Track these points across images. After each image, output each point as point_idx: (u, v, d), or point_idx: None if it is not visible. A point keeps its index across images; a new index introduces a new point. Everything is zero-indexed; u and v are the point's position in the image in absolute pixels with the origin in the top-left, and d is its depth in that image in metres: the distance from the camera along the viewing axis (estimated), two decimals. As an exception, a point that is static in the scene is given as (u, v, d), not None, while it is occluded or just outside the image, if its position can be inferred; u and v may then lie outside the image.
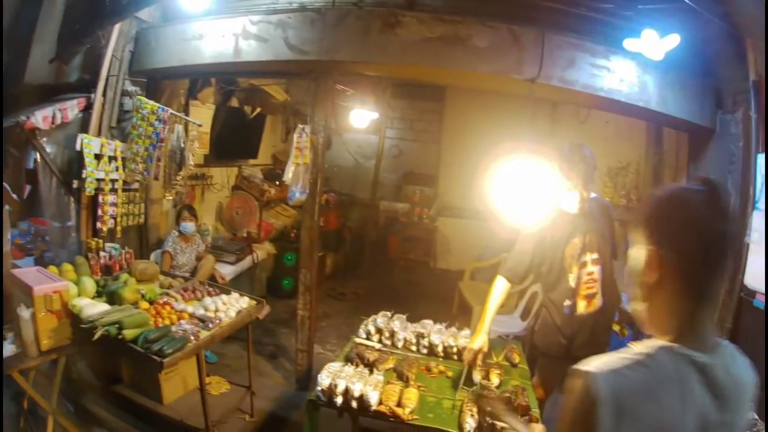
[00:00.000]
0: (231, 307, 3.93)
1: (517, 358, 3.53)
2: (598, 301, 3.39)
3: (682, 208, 1.19)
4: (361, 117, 6.43)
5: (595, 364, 1.12)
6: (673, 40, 3.58)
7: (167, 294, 3.99)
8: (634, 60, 3.97)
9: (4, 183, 3.82)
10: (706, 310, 1.18)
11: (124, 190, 4.73)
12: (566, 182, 3.21)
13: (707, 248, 1.15)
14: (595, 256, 3.34)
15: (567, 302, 3.35)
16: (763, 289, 3.76)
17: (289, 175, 4.30)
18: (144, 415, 3.96)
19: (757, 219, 3.88)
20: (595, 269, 3.36)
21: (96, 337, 3.12)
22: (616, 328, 4.00)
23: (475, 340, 3.17)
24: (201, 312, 3.76)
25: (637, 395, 1.08)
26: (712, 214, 1.15)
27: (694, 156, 4.69)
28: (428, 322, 3.67)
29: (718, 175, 4.19)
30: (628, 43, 3.70)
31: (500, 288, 3.38)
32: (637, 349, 1.15)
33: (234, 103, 6.31)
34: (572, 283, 3.33)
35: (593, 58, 3.88)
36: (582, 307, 3.36)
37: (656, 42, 3.61)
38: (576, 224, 3.28)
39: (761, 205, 3.92)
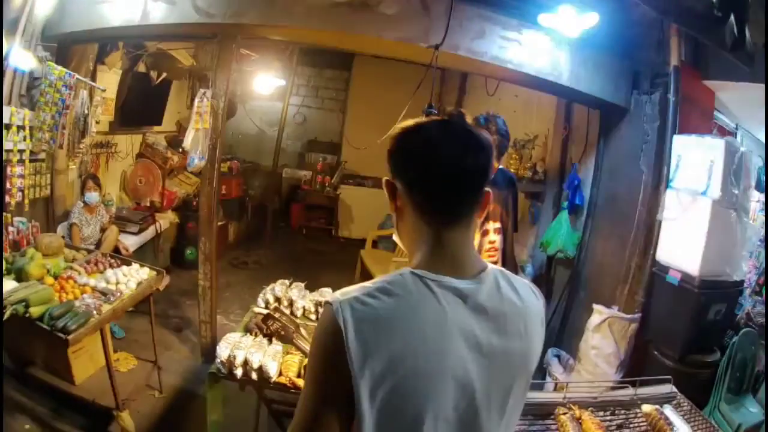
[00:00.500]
0: (131, 278, 3.96)
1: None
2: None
3: (413, 139, 1.22)
4: (266, 83, 6.42)
5: (339, 292, 1.14)
6: (592, 18, 3.68)
7: (71, 268, 3.95)
8: (548, 35, 4.12)
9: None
10: (458, 237, 1.20)
11: (31, 161, 4.63)
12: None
13: (440, 177, 1.17)
14: (497, 225, 3.56)
15: None
16: (676, 264, 4.04)
17: (188, 140, 4.30)
18: (58, 397, 3.90)
19: (669, 197, 4.13)
20: (496, 238, 3.58)
21: (5, 317, 3.08)
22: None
23: None
24: (103, 285, 3.79)
25: (382, 322, 1.08)
26: (443, 145, 1.17)
27: (605, 132, 4.91)
28: (327, 290, 3.75)
29: (630, 152, 4.43)
30: (543, 18, 3.79)
31: None
32: (384, 277, 1.17)
33: (141, 68, 6.20)
34: (480, 246, 3.54)
35: (504, 30, 4.01)
36: None
37: (573, 18, 3.70)
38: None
39: (674, 184, 4.17)
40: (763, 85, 4.11)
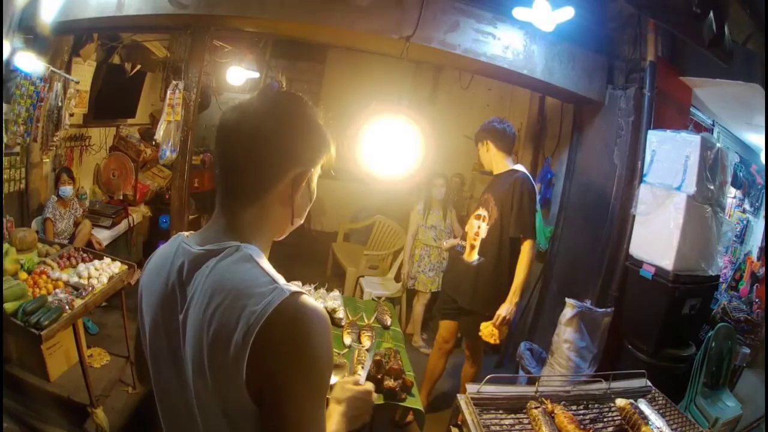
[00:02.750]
0: (103, 273, 3.92)
1: (389, 320, 3.62)
2: (474, 256, 3.85)
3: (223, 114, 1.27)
4: (239, 75, 6.37)
5: None
6: (567, 12, 3.67)
7: (44, 263, 3.90)
8: (523, 29, 4.12)
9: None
10: (223, 210, 1.25)
11: (5, 155, 4.58)
12: (499, 152, 3.90)
13: (220, 150, 1.24)
14: (484, 213, 3.83)
15: (462, 242, 4.10)
16: (650, 259, 4.07)
17: (160, 133, 4.24)
18: (34, 395, 3.82)
19: (644, 191, 4.13)
20: (480, 224, 3.84)
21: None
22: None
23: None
24: (75, 280, 3.73)
25: (151, 260, 1.32)
26: (220, 125, 1.24)
27: (579, 126, 4.91)
28: (296, 283, 3.70)
29: (604, 146, 4.43)
30: (518, 12, 3.77)
31: None
32: None
33: (116, 60, 6.13)
34: (467, 228, 4.03)
35: (479, 23, 3.99)
36: (466, 253, 3.92)
37: (548, 13, 3.69)
38: (491, 183, 3.94)
39: (648, 178, 4.19)
40: (740, 83, 4.14)
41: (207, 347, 1.08)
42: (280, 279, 1.14)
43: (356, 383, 1.47)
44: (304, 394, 1.08)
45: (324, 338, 1.10)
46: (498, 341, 3.78)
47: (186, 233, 1.28)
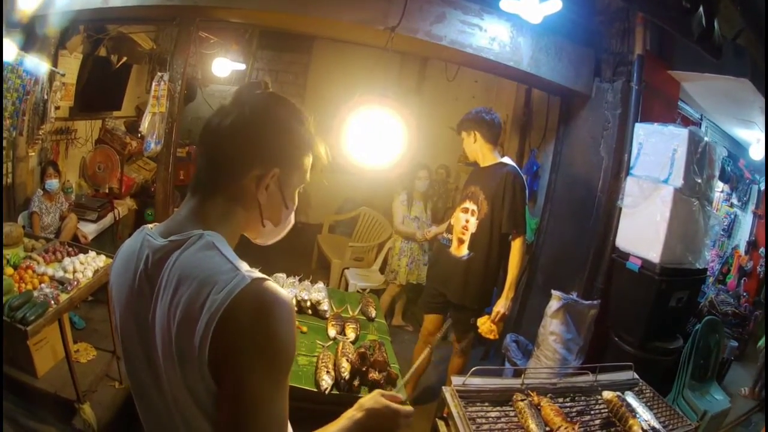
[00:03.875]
0: (88, 266, 3.89)
1: (373, 312, 3.61)
2: (464, 250, 3.90)
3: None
4: (225, 66, 6.37)
5: None
6: (554, 5, 3.65)
7: (30, 257, 3.87)
8: (510, 21, 4.10)
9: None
10: (190, 203, 1.26)
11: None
12: (486, 143, 3.90)
13: (201, 142, 1.28)
14: (473, 207, 3.86)
15: (447, 235, 4.11)
16: (636, 251, 4.07)
17: (145, 124, 4.24)
18: (21, 391, 3.78)
19: (630, 184, 4.13)
20: (469, 218, 3.89)
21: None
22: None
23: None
24: (60, 274, 3.70)
25: (118, 254, 1.31)
26: (212, 113, 1.27)
27: (565, 119, 4.92)
28: (281, 275, 3.74)
29: (590, 139, 4.45)
30: (505, 4, 3.75)
31: None
32: None
33: (102, 52, 6.09)
34: (453, 221, 4.06)
35: (465, 15, 3.98)
36: (454, 247, 3.97)
37: (535, 5, 3.67)
38: (478, 176, 4.02)
39: (635, 171, 4.20)
40: (729, 77, 4.14)
41: (174, 338, 1.08)
42: (243, 265, 1.13)
43: (394, 398, 1.48)
44: (263, 380, 1.06)
45: (285, 323, 1.09)
46: (497, 336, 3.89)
47: (150, 226, 1.28)
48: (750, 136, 5.99)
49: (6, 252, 3.80)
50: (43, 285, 3.49)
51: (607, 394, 2.71)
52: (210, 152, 1.25)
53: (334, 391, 2.66)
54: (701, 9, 3.44)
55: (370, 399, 1.44)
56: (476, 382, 2.73)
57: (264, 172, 1.23)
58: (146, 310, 1.16)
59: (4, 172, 4.78)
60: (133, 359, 1.23)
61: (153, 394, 1.20)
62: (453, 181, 7.67)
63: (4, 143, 4.66)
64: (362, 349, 2.92)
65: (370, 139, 3.06)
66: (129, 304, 1.21)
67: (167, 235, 1.19)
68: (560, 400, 2.78)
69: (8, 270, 3.57)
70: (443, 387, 2.70)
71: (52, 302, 3.31)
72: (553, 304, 4.07)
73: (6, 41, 4.27)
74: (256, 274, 1.10)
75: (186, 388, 1.09)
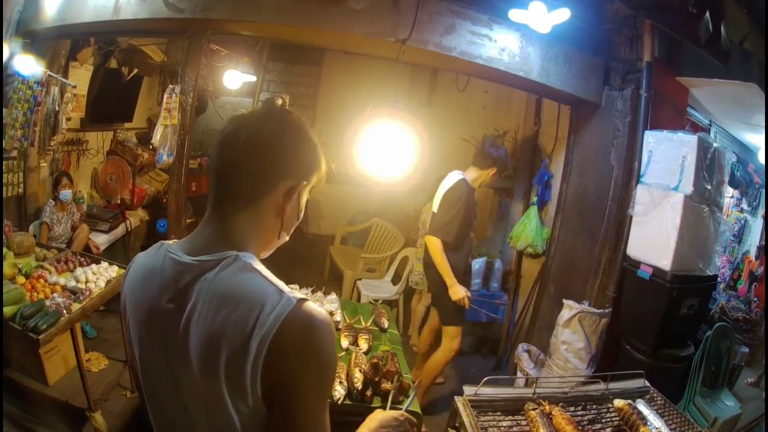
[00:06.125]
0: (101, 277, 3.94)
1: (386, 323, 3.64)
2: None
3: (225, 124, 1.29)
4: (236, 78, 6.39)
5: None
6: (563, 14, 3.67)
7: (42, 267, 3.92)
8: (519, 31, 4.11)
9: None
10: (213, 219, 1.27)
11: (3, 159, 4.58)
12: (486, 169, 4.47)
13: (218, 154, 1.26)
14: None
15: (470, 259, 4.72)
16: (647, 259, 4.07)
17: (157, 137, 4.26)
18: (32, 399, 3.81)
19: (641, 192, 4.13)
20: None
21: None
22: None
23: (459, 289, 4.25)
24: (72, 284, 3.76)
25: (133, 270, 1.31)
26: (225, 130, 1.26)
27: (575, 128, 4.91)
28: (294, 287, 3.72)
29: (601, 147, 4.45)
30: (514, 14, 3.77)
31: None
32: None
33: (113, 64, 6.14)
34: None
35: (474, 26, 3.99)
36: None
37: (544, 14, 3.68)
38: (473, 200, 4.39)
39: (645, 179, 4.19)
40: (737, 82, 4.14)
41: (223, 359, 1.09)
42: (284, 286, 1.16)
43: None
44: (313, 397, 1.13)
45: (330, 343, 1.14)
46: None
47: (169, 242, 1.28)
48: (759, 140, 5.97)
49: (18, 261, 3.85)
50: (55, 294, 3.53)
51: (619, 403, 2.72)
52: (237, 167, 1.23)
53: (347, 402, 2.68)
54: (708, 14, 3.45)
55: (381, 413, 1.56)
56: (488, 391, 2.74)
57: (295, 184, 1.26)
58: (172, 327, 1.16)
59: (15, 182, 4.84)
60: (152, 372, 1.24)
61: (172, 407, 1.21)
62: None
63: (16, 153, 4.71)
64: (375, 360, 2.94)
65: (381, 151, 3.09)
66: (151, 320, 1.21)
67: (193, 253, 1.19)
68: (572, 408, 2.78)
69: (20, 279, 3.62)
70: (455, 397, 2.71)
71: (65, 311, 3.35)
72: (565, 314, 4.08)
73: (13, 52, 4.33)
74: (298, 294, 1.13)
75: (228, 407, 1.11)
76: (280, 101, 1.32)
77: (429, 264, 4.45)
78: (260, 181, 1.24)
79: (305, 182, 1.30)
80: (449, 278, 4.26)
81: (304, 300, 1.12)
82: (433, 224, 4.41)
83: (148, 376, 1.26)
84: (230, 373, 1.09)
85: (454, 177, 4.53)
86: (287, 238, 1.39)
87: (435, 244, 4.27)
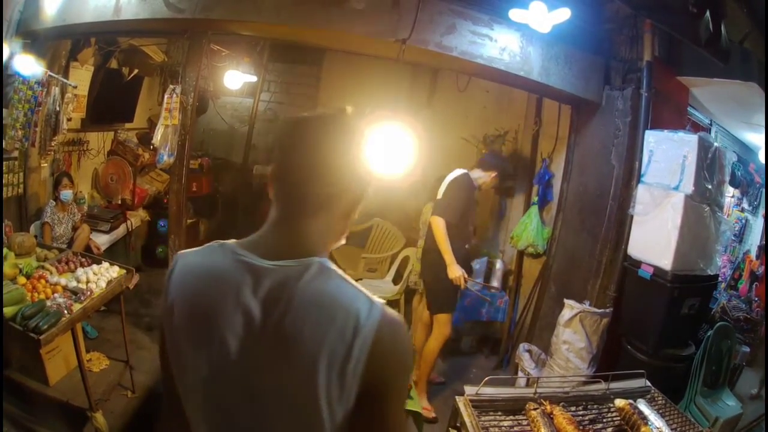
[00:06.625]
0: (101, 277, 3.92)
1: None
2: None
3: (284, 130, 1.32)
4: (236, 78, 6.39)
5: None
6: (563, 14, 3.67)
7: (42, 267, 3.91)
8: (519, 31, 4.10)
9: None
10: (286, 223, 1.25)
11: (3, 159, 4.59)
12: (488, 171, 4.71)
13: (282, 167, 1.26)
14: None
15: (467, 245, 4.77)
16: (648, 259, 4.07)
17: (158, 137, 4.26)
18: (33, 399, 3.82)
19: (641, 192, 4.14)
20: None
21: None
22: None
23: (456, 268, 4.36)
24: (73, 284, 3.74)
25: (186, 270, 1.26)
26: (294, 137, 1.27)
27: (576, 127, 4.91)
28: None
29: (601, 147, 4.45)
30: (514, 14, 3.77)
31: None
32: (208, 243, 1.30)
33: (113, 64, 6.15)
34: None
35: (475, 25, 3.98)
36: None
37: (544, 14, 3.68)
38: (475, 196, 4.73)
39: (646, 178, 4.20)
40: (737, 81, 4.14)
41: (324, 362, 1.11)
42: (367, 291, 1.20)
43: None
44: (402, 393, 1.27)
45: (410, 341, 1.29)
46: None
47: (232, 242, 1.27)
48: (759, 139, 5.98)
49: (19, 261, 3.84)
50: (56, 295, 3.52)
51: (620, 402, 2.71)
52: (314, 173, 1.23)
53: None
54: (708, 14, 3.45)
55: None
56: (489, 391, 2.74)
57: (362, 192, 1.30)
58: (249, 330, 1.16)
59: (16, 182, 4.84)
60: (210, 373, 1.21)
61: (235, 409, 1.20)
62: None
63: (17, 154, 4.71)
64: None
65: (381, 151, 3.08)
66: (217, 322, 1.18)
67: (270, 256, 1.19)
68: (573, 408, 2.78)
69: (21, 279, 3.61)
70: (456, 397, 2.71)
71: (65, 312, 3.34)
72: (566, 313, 4.08)
73: (13, 52, 4.33)
74: (377, 299, 1.19)
75: (321, 409, 1.13)
76: (349, 109, 1.31)
77: (429, 249, 4.60)
78: (336, 188, 1.25)
79: (369, 188, 1.32)
80: (449, 256, 4.36)
81: (383, 304, 1.18)
82: (438, 207, 4.54)
83: (201, 377, 1.23)
84: (332, 376, 1.11)
85: (458, 171, 4.70)
86: (344, 242, 1.41)
87: (439, 224, 4.38)
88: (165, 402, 1.34)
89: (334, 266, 1.22)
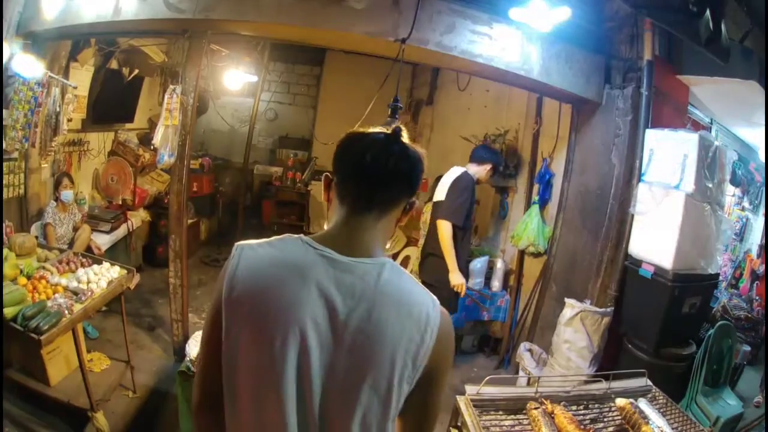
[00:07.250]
0: (102, 277, 3.92)
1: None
2: None
3: (351, 143, 1.39)
4: (236, 78, 6.40)
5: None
6: (563, 12, 3.66)
7: (43, 267, 3.91)
8: (519, 30, 4.09)
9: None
10: (361, 224, 1.37)
11: (4, 160, 4.59)
12: (486, 166, 4.78)
13: (357, 174, 1.36)
14: None
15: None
16: (649, 258, 4.08)
17: (158, 137, 4.26)
18: (34, 399, 3.82)
19: (642, 190, 4.13)
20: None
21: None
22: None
23: (459, 275, 4.44)
24: (74, 284, 3.74)
25: (257, 263, 1.30)
26: (370, 152, 1.33)
27: (576, 126, 4.91)
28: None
29: (602, 146, 4.45)
30: (514, 13, 3.76)
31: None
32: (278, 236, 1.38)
33: (113, 65, 6.15)
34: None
35: (474, 24, 3.97)
36: None
37: (544, 13, 3.67)
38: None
39: (647, 177, 4.18)
40: (738, 80, 4.13)
41: (401, 352, 1.27)
42: (425, 288, 1.38)
43: None
44: (447, 376, 1.39)
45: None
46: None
47: (306, 237, 1.36)
48: (760, 138, 5.97)
49: (19, 262, 3.84)
50: (57, 295, 3.52)
51: (621, 401, 2.71)
52: (386, 181, 1.35)
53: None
54: (708, 12, 3.45)
55: None
56: (490, 391, 2.74)
57: (414, 197, 1.44)
58: (333, 318, 1.25)
59: (16, 183, 4.84)
60: (275, 360, 1.26)
61: (299, 396, 1.27)
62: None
63: (17, 155, 4.71)
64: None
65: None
66: (299, 317, 1.25)
67: (347, 252, 1.31)
68: (574, 407, 2.78)
69: (21, 280, 3.60)
70: (457, 396, 2.71)
71: (66, 312, 3.34)
72: (567, 313, 4.08)
73: (13, 52, 4.33)
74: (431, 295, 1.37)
75: (393, 393, 1.28)
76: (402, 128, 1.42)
77: (431, 252, 4.66)
78: (398, 195, 1.40)
79: (416, 196, 1.48)
80: (452, 262, 4.42)
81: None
82: (443, 209, 4.55)
83: (264, 364, 1.27)
84: (407, 361, 1.27)
85: (457, 170, 4.75)
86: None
87: (445, 228, 4.42)
88: (200, 391, 1.43)
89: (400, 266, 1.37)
